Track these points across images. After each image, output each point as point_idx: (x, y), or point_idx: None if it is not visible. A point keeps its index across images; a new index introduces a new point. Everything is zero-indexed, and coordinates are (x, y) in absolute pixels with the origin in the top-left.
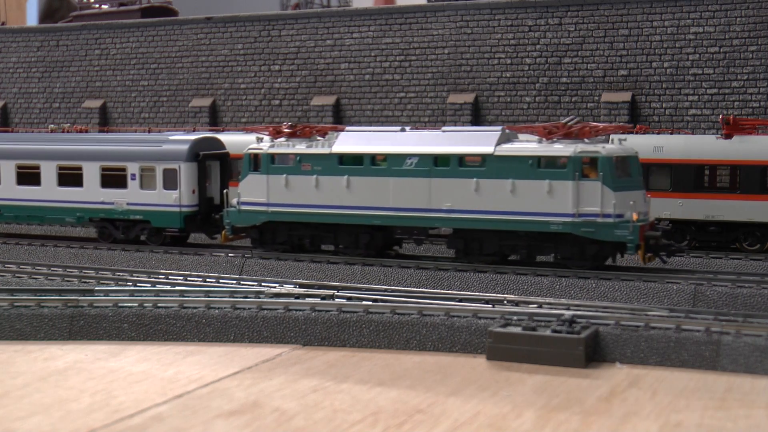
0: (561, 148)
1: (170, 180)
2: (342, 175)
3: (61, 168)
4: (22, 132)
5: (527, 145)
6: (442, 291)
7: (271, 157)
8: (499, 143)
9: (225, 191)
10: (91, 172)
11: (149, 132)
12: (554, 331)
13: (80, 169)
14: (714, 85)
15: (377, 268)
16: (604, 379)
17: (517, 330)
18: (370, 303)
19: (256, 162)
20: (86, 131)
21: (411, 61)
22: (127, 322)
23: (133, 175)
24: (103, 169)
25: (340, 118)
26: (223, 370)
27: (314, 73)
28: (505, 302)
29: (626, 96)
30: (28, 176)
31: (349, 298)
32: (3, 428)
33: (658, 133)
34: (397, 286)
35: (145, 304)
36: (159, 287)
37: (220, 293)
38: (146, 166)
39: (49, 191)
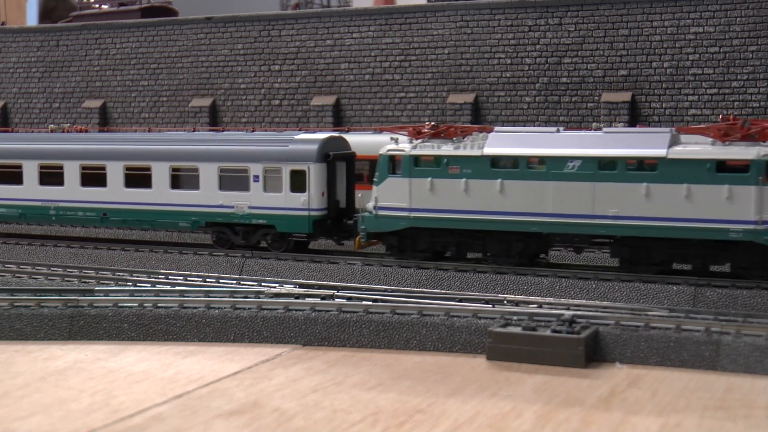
0: (741, 151)
1: (298, 182)
2: (495, 179)
3: (174, 169)
4: (130, 132)
5: (702, 148)
6: (442, 291)
7: (414, 159)
8: (670, 145)
9: (359, 194)
10: (209, 174)
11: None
12: (554, 331)
13: (196, 170)
14: (714, 85)
15: (377, 268)
16: (604, 379)
17: (517, 330)
18: (370, 303)
19: (397, 164)
20: (86, 131)
21: (411, 61)
22: (127, 322)
23: (256, 176)
24: (222, 170)
25: (340, 118)
26: (223, 370)
27: (314, 73)
28: (505, 302)
29: (626, 96)
30: (137, 178)
31: (349, 298)
32: (3, 428)
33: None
34: (397, 286)
35: (145, 304)
36: (159, 287)
37: (220, 293)
38: (271, 167)
39: (160, 194)
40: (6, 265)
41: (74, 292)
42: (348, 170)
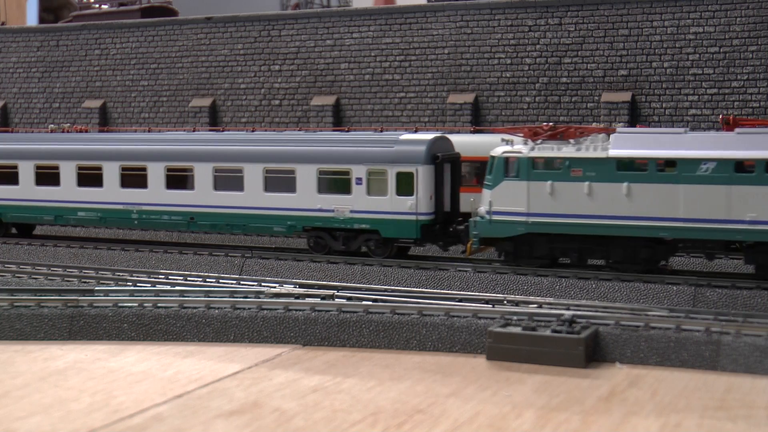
0: None
1: (405, 185)
2: (620, 182)
3: (268, 171)
4: (217, 131)
5: None
6: (442, 291)
7: (533, 162)
8: None
9: (472, 198)
10: (307, 176)
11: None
12: (554, 331)
13: (293, 172)
14: (714, 85)
15: (377, 268)
16: (604, 379)
17: (517, 330)
18: (370, 303)
19: (513, 167)
20: (86, 131)
21: (411, 61)
22: (127, 322)
23: (359, 179)
24: (321, 172)
25: (340, 118)
26: (223, 370)
27: (314, 73)
28: (505, 302)
29: (626, 96)
30: (228, 180)
31: (349, 298)
32: (3, 428)
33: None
34: (397, 286)
35: (145, 304)
36: (159, 287)
37: (220, 293)
38: (375, 169)
39: (253, 197)
40: (6, 265)
41: (74, 292)
42: (453, 172)
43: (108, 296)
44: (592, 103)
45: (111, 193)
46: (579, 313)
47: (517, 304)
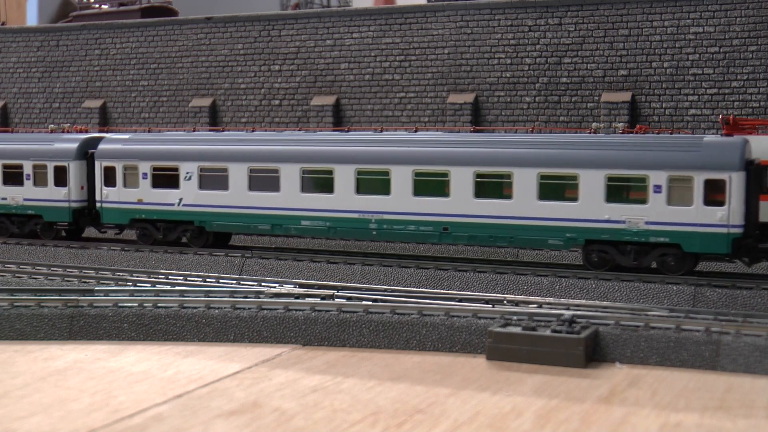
0: None
1: (714, 193)
2: None
3: (543, 177)
4: (481, 132)
5: None
6: (442, 291)
7: None
8: None
9: None
10: (592, 183)
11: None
12: (554, 331)
13: (575, 178)
14: (714, 85)
15: (377, 268)
16: (604, 379)
17: (517, 330)
18: (370, 303)
19: None
20: (86, 131)
21: (411, 61)
22: (127, 322)
23: (658, 186)
24: (610, 178)
25: (339, 118)
26: (223, 370)
27: (314, 73)
28: (505, 302)
29: (626, 96)
30: (492, 186)
31: (349, 298)
32: (3, 428)
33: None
34: (397, 286)
35: (145, 304)
36: (159, 287)
37: (220, 293)
38: (678, 175)
39: (525, 206)
40: (6, 265)
41: (74, 292)
42: (748, 179)
43: (108, 296)
44: (592, 103)
45: (343, 199)
46: (579, 313)
47: (517, 304)
